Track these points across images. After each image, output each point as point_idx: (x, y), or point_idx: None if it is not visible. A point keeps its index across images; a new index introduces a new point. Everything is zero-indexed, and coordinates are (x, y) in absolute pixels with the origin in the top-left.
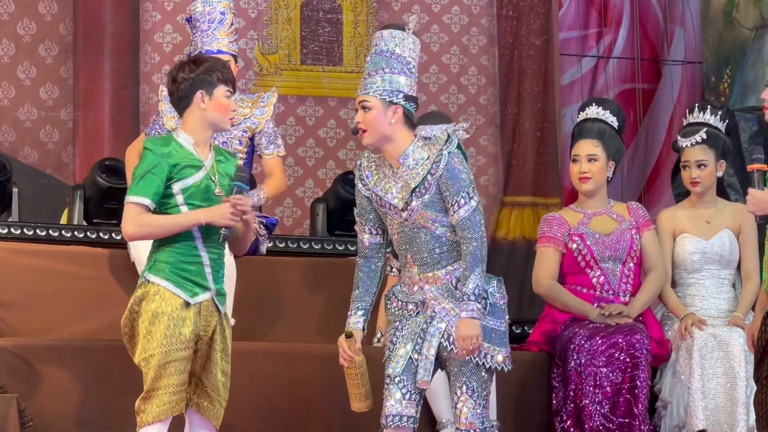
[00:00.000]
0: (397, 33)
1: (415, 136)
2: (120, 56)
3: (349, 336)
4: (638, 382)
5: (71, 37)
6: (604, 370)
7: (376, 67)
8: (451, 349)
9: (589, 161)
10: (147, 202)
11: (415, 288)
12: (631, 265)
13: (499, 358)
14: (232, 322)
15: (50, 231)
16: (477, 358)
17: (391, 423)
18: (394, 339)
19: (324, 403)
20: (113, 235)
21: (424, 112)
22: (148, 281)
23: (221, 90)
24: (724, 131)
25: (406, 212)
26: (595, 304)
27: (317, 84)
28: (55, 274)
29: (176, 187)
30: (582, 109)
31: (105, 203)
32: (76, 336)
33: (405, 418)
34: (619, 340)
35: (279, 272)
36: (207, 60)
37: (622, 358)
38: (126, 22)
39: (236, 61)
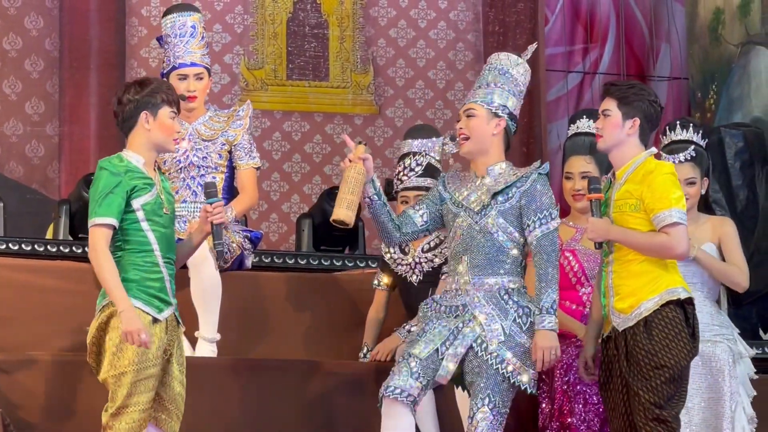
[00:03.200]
0: (513, 57)
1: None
2: (106, 71)
3: (362, 143)
4: None
5: (57, 52)
6: (594, 388)
7: (487, 81)
8: (481, 356)
9: (583, 178)
10: (113, 221)
11: (460, 293)
12: None
13: (525, 377)
14: (217, 337)
15: (36, 246)
16: (506, 371)
17: (389, 393)
18: (427, 328)
19: (309, 417)
20: None
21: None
22: None
23: (165, 111)
24: (705, 149)
25: (479, 215)
26: (583, 321)
27: (303, 99)
28: (41, 289)
29: (136, 203)
30: (572, 121)
31: None
32: (62, 351)
33: (406, 394)
34: None
35: (264, 287)
36: (152, 81)
37: None
38: (112, 37)
39: (210, 74)
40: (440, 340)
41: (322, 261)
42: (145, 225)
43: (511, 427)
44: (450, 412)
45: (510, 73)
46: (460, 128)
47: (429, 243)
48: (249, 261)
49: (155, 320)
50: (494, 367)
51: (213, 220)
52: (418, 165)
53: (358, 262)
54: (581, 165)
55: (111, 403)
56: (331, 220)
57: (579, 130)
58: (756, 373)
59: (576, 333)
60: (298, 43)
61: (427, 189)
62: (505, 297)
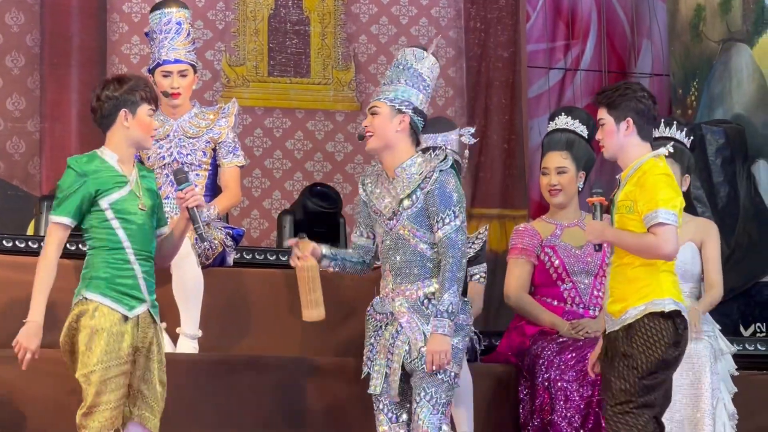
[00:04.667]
0: (418, 51)
1: (417, 152)
2: (87, 67)
3: (301, 238)
4: None
5: (38, 48)
6: (575, 384)
7: (391, 78)
8: (411, 361)
9: (559, 173)
10: (68, 221)
11: (387, 299)
12: (602, 279)
13: (453, 372)
14: (199, 333)
15: (17, 242)
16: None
17: None
18: (371, 355)
19: (291, 413)
20: (79, 246)
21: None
22: (86, 298)
23: (144, 109)
24: (688, 147)
25: (392, 221)
26: (565, 318)
27: (285, 96)
28: (21, 285)
29: (104, 203)
30: (551, 119)
31: None
32: (42, 347)
33: None
34: (589, 354)
35: (245, 284)
36: (131, 79)
37: None
38: (93, 33)
39: (195, 71)
40: (383, 363)
41: None
42: (115, 223)
43: (492, 424)
44: None
45: (414, 68)
46: (365, 126)
47: None
48: (231, 258)
49: (125, 318)
50: (420, 367)
51: (188, 205)
52: None
53: None
54: (557, 161)
55: (84, 403)
56: (306, 318)
57: (557, 127)
58: (737, 369)
59: (558, 329)
60: (280, 39)
61: None
62: (425, 302)
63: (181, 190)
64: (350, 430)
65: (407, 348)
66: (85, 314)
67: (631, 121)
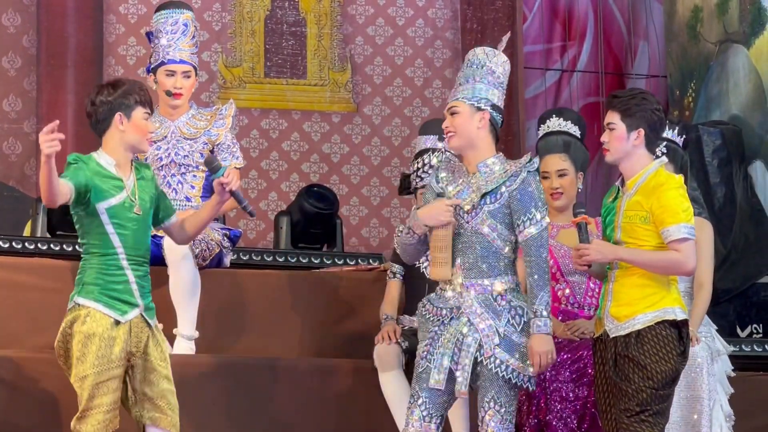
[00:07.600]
0: (489, 49)
1: (498, 150)
2: (83, 68)
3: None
4: None
5: (35, 49)
6: (571, 385)
7: (466, 78)
8: (481, 360)
9: (560, 176)
10: (71, 184)
11: (453, 294)
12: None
13: (525, 376)
14: (196, 334)
15: (13, 243)
16: (506, 374)
17: None
18: (432, 350)
19: (286, 416)
20: (76, 247)
21: (390, 124)
22: (78, 304)
23: (139, 112)
24: (681, 146)
25: (470, 215)
26: (560, 317)
27: (281, 97)
28: (18, 286)
29: (100, 207)
30: (542, 121)
31: (68, 215)
32: (38, 348)
33: None
34: (584, 354)
35: (242, 285)
36: (125, 83)
37: (588, 372)
38: (90, 34)
39: (196, 74)
40: (448, 359)
41: (300, 258)
42: (109, 228)
43: None
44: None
45: (487, 65)
46: (446, 127)
47: None
48: (227, 259)
49: (117, 323)
50: (494, 371)
51: (232, 188)
52: None
53: (336, 260)
54: (557, 163)
55: (80, 408)
56: (432, 278)
57: (551, 129)
58: (733, 370)
59: (553, 330)
60: (276, 40)
61: None
62: (498, 299)
63: (222, 175)
64: (349, 429)
65: (479, 345)
66: (78, 320)
67: (642, 132)
